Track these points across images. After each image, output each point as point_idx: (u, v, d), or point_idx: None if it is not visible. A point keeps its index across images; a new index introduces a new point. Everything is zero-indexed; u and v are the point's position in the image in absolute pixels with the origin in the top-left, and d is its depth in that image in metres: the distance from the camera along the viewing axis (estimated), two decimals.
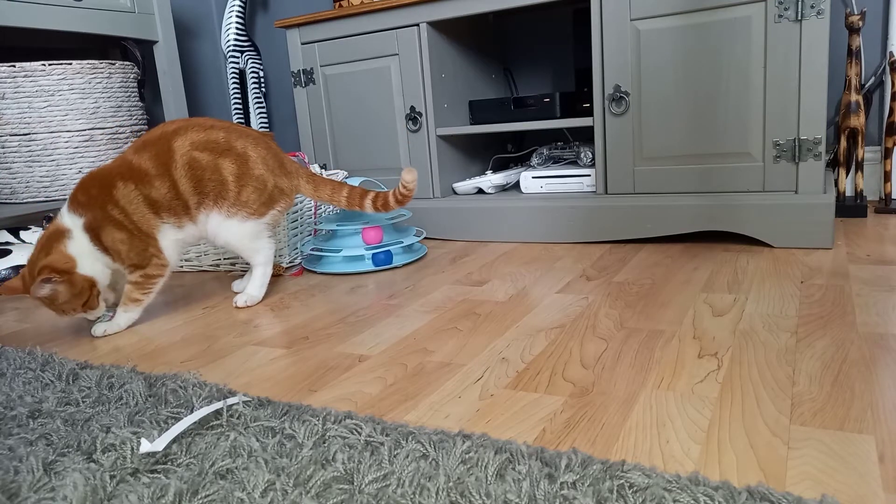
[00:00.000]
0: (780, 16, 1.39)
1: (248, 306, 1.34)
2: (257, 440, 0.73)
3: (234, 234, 1.31)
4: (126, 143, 2.06)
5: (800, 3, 1.36)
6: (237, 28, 2.54)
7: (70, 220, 1.20)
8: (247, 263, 1.64)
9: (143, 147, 1.26)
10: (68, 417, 0.83)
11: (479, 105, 1.88)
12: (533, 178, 1.80)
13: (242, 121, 2.63)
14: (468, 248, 1.72)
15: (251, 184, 1.30)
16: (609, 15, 1.54)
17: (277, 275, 1.57)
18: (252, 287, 1.36)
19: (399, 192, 1.41)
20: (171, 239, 1.27)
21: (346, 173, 1.84)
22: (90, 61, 1.95)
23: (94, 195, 1.21)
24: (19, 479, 0.68)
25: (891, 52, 1.74)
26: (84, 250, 1.19)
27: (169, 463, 0.70)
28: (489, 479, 0.62)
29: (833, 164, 1.82)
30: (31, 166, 1.91)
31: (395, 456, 0.67)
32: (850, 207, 1.71)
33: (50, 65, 1.88)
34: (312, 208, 1.75)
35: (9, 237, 1.80)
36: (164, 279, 1.28)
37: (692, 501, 0.56)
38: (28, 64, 1.86)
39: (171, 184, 1.25)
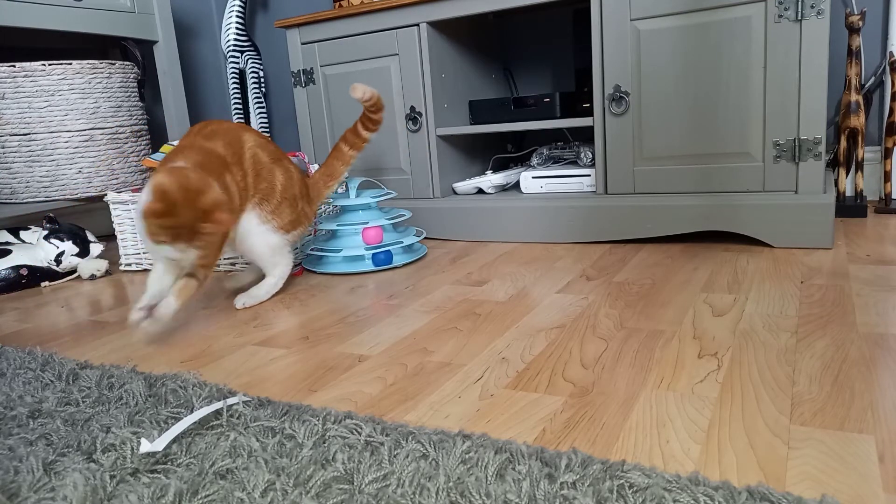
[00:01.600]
0: (780, 16, 1.38)
1: (247, 307, 1.34)
2: (257, 440, 0.73)
3: (260, 241, 1.34)
4: (126, 143, 2.06)
5: (800, 3, 1.36)
6: (237, 28, 2.54)
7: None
8: (246, 263, 1.64)
9: (212, 135, 1.27)
10: (68, 417, 0.83)
11: (479, 105, 1.88)
12: (533, 178, 1.80)
13: (242, 121, 2.63)
14: (468, 248, 1.72)
15: (289, 199, 1.36)
16: (609, 15, 1.54)
17: None
18: (258, 289, 1.37)
19: (365, 117, 1.51)
20: None
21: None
22: (90, 61, 1.95)
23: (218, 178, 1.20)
24: (19, 479, 0.68)
25: (891, 52, 1.74)
26: None
27: (169, 463, 0.70)
28: (489, 479, 0.62)
29: (833, 164, 1.82)
30: (31, 166, 1.91)
31: (395, 456, 0.67)
32: (850, 207, 1.71)
33: (50, 65, 1.88)
34: None
35: (9, 237, 1.80)
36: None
37: (692, 501, 0.56)
38: (28, 64, 1.86)
39: (243, 173, 1.29)
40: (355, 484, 0.63)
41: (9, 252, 1.63)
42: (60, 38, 2.18)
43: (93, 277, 1.69)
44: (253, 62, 2.58)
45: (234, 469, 0.68)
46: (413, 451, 0.67)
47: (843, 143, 1.75)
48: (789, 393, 0.78)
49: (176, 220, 1.08)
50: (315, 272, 1.60)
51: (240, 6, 2.52)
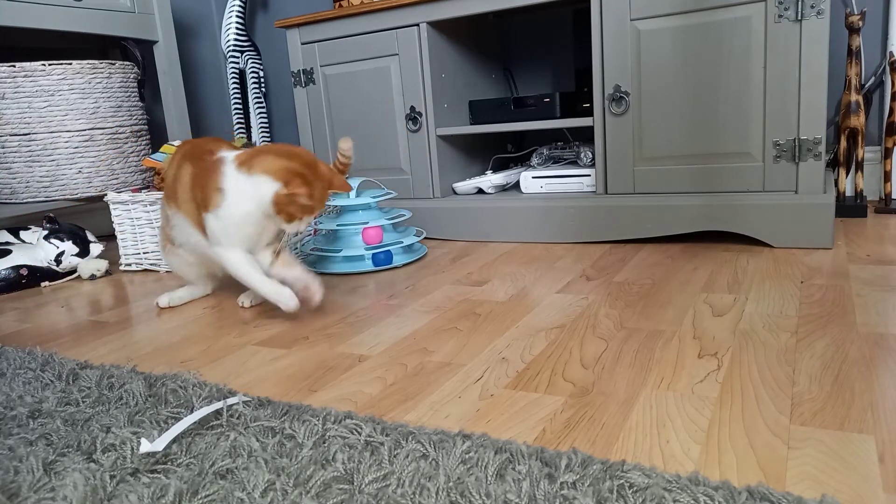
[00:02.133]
0: (780, 16, 1.38)
1: (252, 306, 1.35)
2: (257, 440, 0.73)
3: None
4: (126, 143, 2.06)
5: (800, 3, 1.36)
6: (237, 28, 2.54)
7: None
8: None
9: (214, 138, 1.30)
10: (68, 417, 0.83)
11: (479, 105, 1.88)
12: (533, 178, 1.80)
13: (242, 121, 2.63)
14: (468, 248, 1.72)
15: None
16: (609, 15, 1.54)
17: None
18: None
19: (338, 163, 1.36)
20: None
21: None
22: (90, 61, 1.95)
23: None
24: (19, 479, 0.68)
25: (891, 52, 1.74)
26: None
27: (169, 463, 0.70)
28: (489, 479, 0.62)
29: (833, 164, 1.82)
30: (31, 166, 1.91)
31: (395, 456, 0.67)
32: (850, 207, 1.71)
33: (50, 65, 1.88)
34: None
35: (9, 237, 1.80)
36: None
37: (692, 501, 0.56)
38: (28, 64, 1.86)
39: None
40: (355, 484, 0.63)
41: (9, 252, 1.63)
42: (60, 38, 2.18)
43: (93, 277, 1.69)
44: (253, 62, 2.58)
45: (234, 469, 0.68)
46: (413, 451, 0.67)
47: (843, 143, 1.75)
48: (789, 393, 0.78)
49: (312, 194, 1.14)
50: (315, 272, 1.60)
51: (240, 6, 2.52)
